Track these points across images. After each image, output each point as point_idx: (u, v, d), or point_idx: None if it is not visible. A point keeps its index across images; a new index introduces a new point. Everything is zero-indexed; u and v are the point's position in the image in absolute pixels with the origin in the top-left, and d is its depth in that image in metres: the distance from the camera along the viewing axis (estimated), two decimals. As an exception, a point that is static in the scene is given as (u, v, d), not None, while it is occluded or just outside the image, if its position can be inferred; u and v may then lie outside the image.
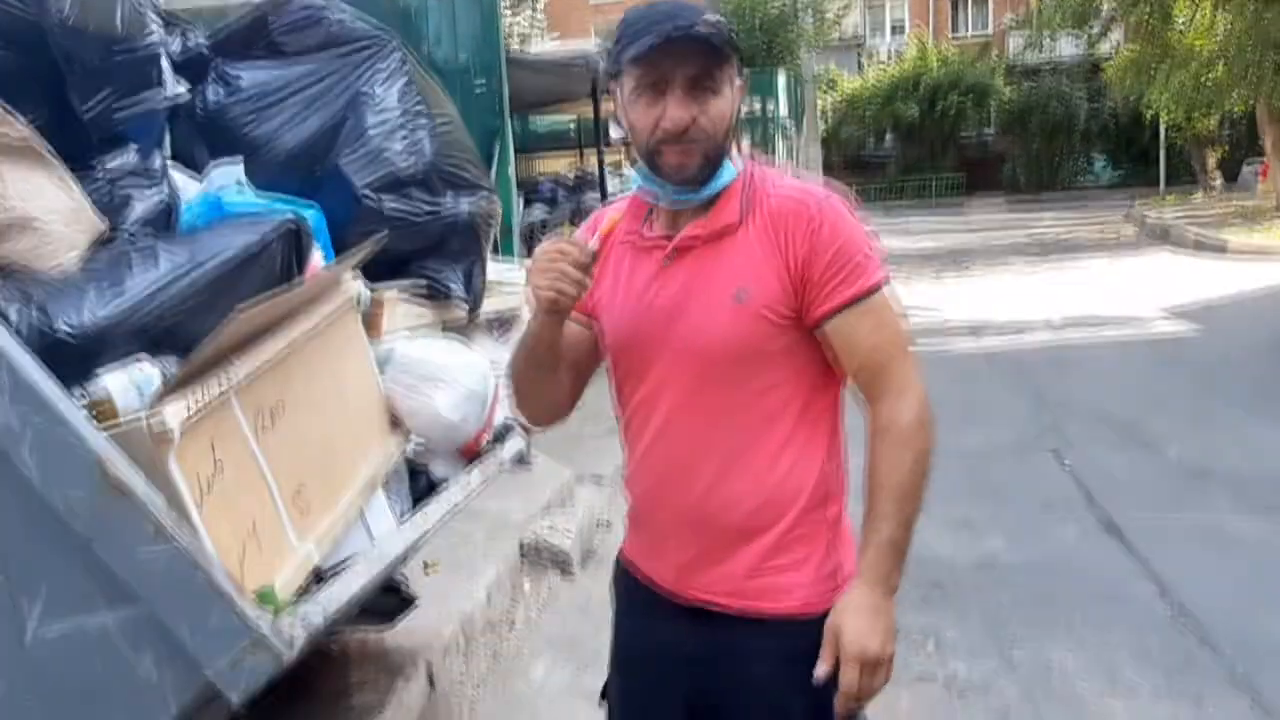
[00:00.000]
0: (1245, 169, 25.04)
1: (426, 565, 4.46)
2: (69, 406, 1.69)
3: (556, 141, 13.47)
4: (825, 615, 1.80)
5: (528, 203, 7.92)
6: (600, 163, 9.16)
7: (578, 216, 8.39)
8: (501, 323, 3.13)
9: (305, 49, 2.76)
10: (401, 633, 3.84)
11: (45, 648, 1.77)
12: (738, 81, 1.76)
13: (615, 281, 1.88)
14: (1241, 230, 16.88)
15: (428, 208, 2.72)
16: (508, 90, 5.85)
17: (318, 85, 2.70)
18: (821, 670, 1.74)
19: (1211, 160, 25.61)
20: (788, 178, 1.84)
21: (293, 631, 1.74)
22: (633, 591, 2.01)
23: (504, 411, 2.83)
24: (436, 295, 2.78)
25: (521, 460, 5.83)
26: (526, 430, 2.98)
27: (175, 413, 1.78)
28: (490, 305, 3.06)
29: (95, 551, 1.69)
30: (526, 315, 3.23)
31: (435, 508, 2.40)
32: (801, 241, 1.73)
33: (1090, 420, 7.10)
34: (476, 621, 4.14)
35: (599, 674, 3.89)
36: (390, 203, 2.67)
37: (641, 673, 1.99)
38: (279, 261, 2.15)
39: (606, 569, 4.83)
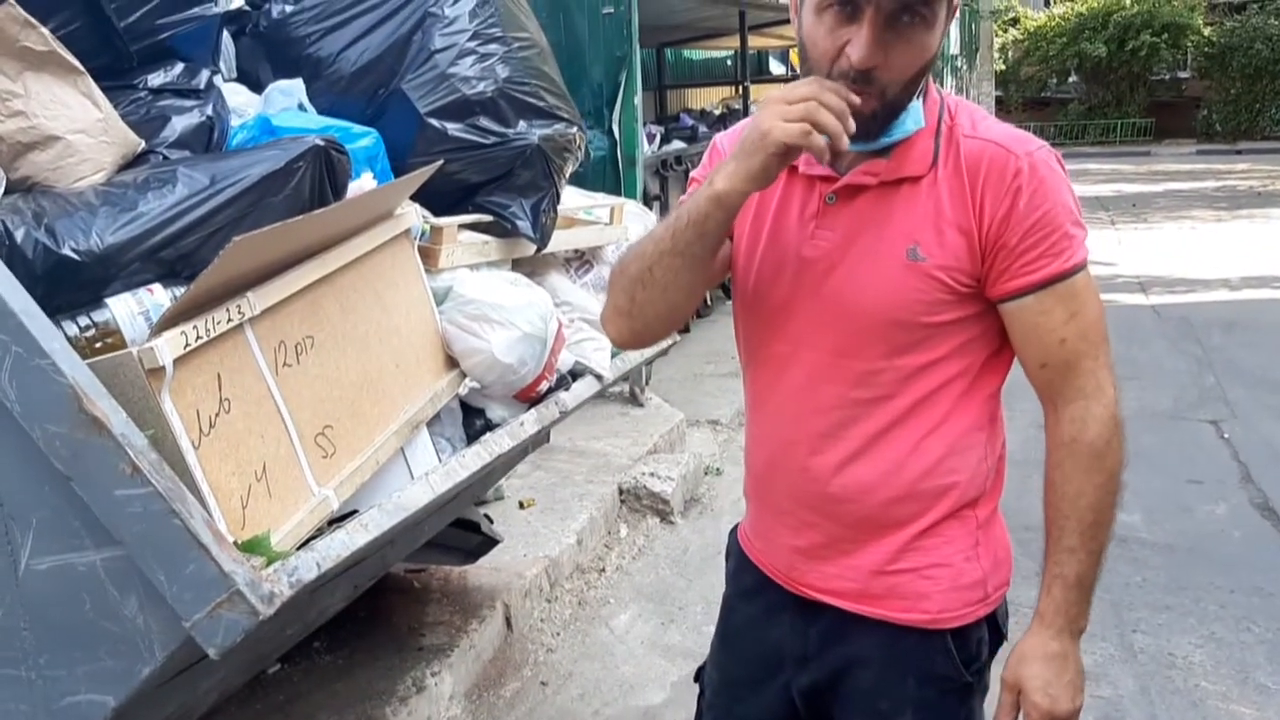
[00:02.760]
0: None
1: (522, 503, 4.40)
2: (49, 334, 1.59)
3: (711, 74, 13.10)
4: (960, 631, 1.60)
5: (666, 137, 7.70)
6: (745, 97, 8.81)
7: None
8: (580, 260, 2.95)
9: (376, -37, 2.60)
10: (485, 571, 3.80)
11: (36, 579, 1.71)
12: (955, 2, 1.43)
13: (761, 209, 1.58)
14: None
15: (495, 135, 2.55)
16: (637, 16, 5.61)
17: (386, 3, 2.55)
18: None
19: None
20: (989, 118, 1.55)
21: (275, 587, 1.62)
22: (744, 572, 1.79)
23: (569, 356, 2.67)
24: (501, 229, 2.61)
25: (634, 400, 5.71)
26: (599, 378, 2.80)
27: (170, 346, 1.67)
28: (568, 240, 2.88)
29: (75, 490, 1.60)
30: (609, 256, 3.06)
31: (474, 457, 2.25)
32: (1001, 197, 1.45)
33: (1258, 389, 6.51)
34: (564, 565, 4.05)
35: (684, 629, 3.80)
36: (455, 128, 2.52)
37: (746, 662, 1.78)
38: (308, 186, 2.01)
39: (709, 519, 4.76)
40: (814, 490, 1.61)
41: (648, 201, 6.07)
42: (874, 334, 1.52)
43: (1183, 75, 28.78)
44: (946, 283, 1.48)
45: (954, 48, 15.57)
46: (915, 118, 1.50)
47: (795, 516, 1.65)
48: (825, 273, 1.54)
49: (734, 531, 1.88)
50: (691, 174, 1.73)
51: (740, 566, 1.81)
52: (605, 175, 5.67)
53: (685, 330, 7.22)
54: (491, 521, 3.74)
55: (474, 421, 2.55)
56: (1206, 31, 27.78)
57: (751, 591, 1.77)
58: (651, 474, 4.75)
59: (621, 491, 4.68)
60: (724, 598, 1.87)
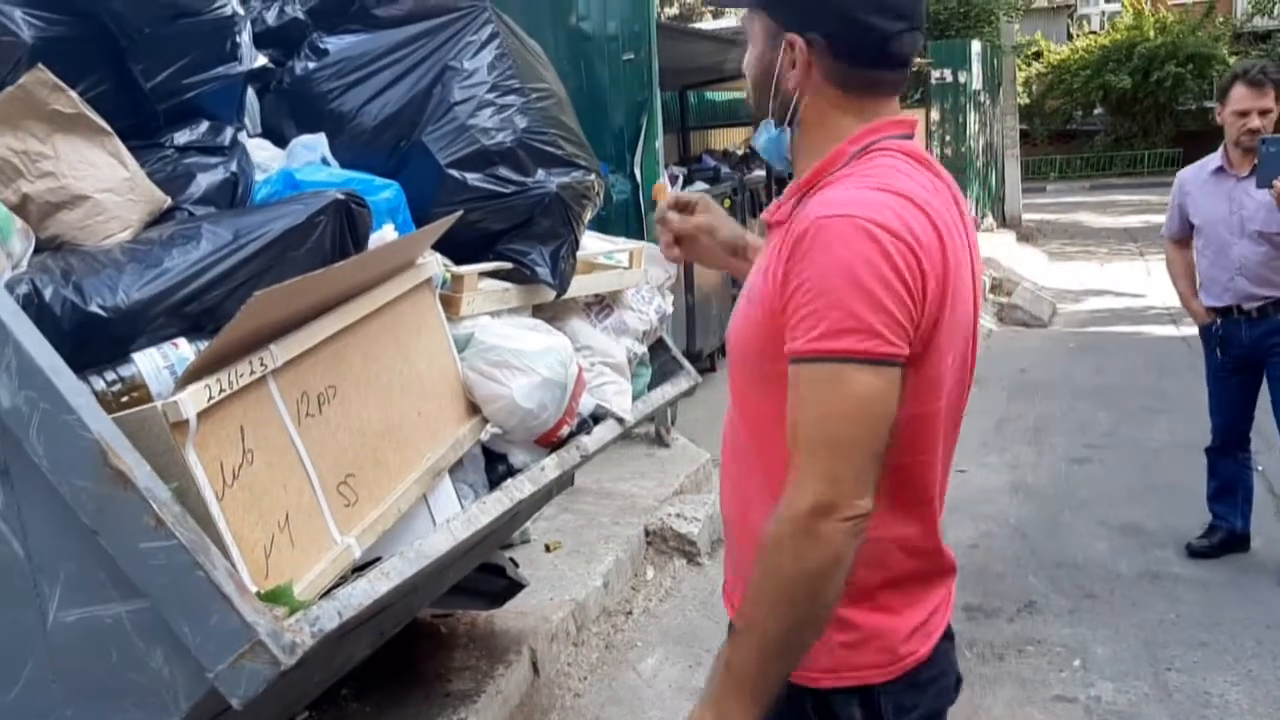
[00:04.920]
0: None
1: (548, 546, 4.40)
2: (75, 390, 1.63)
3: (734, 115, 13.17)
4: (819, 694, 1.53)
5: (689, 178, 7.75)
6: (768, 136, 8.81)
7: (740, 193, 8.14)
8: (601, 304, 2.98)
9: (397, 18, 2.66)
10: (511, 615, 3.80)
11: (65, 632, 1.74)
12: (779, 39, 1.47)
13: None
14: None
15: (515, 184, 2.59)
16: (657, 62, 5.67)
17: (406, 58, 2.61)
18: None
19: None
20: (854, 183, 1.41)
21: (297, 636, 1.64)
22: None
23: (590, 399, 2.69)
24: (521, 276, 2.64)
25: (660, 441, 5.71)
26: (621, 421, 2.82)
27: (194, 399, 1.70)
28: (588, 284, 2.91)
29: (101, 543, 1.63)
30: (629, 299, 3.07)
31: (495, 503, 2.27)
32: (788, 258, 1.38)
33: (1293, 421, 6.41)
34: (590, 609, 4.04)
35: (711, 672, 3.76)
36: (475, 178, 2.56)
37: None
38: (329, 240, 2.05)
39: (736, 560, 4.72)
40: (724, 520, 1.71)
41: (671, 243, 6.09)
42: (735, 371, 1.58)
43: (1209, 105, 28.61)
44: (767, 329, 1.44)
45: (976, 83, 15.55)
46: (771, 146, 1.56)
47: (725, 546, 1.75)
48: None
49: None
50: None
51: None
52: (628, 218, 5.72)
53: (711, 369, 7.21)
54: (517, 565, 3.75)
55: (496, 467, 2.57)
56: (1231, 61, 27.68)
57: None
58: (678, 515, 4.75)
59: (648, 533, 4.68)
60: None
